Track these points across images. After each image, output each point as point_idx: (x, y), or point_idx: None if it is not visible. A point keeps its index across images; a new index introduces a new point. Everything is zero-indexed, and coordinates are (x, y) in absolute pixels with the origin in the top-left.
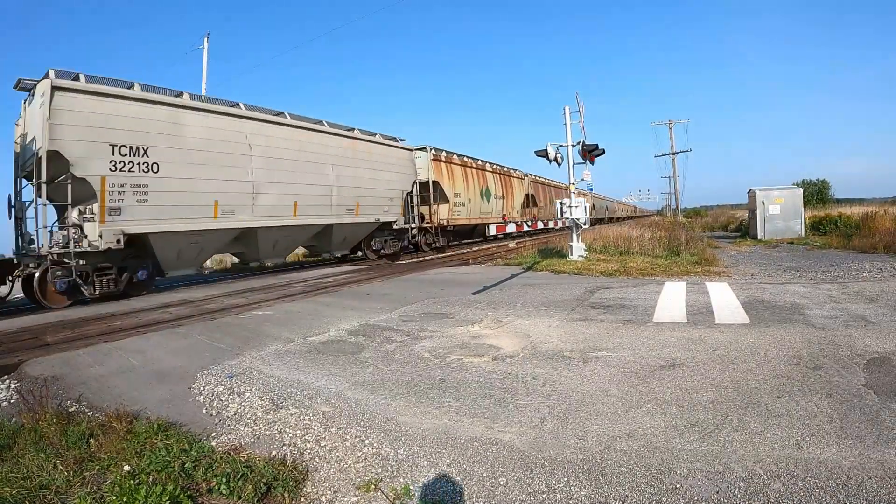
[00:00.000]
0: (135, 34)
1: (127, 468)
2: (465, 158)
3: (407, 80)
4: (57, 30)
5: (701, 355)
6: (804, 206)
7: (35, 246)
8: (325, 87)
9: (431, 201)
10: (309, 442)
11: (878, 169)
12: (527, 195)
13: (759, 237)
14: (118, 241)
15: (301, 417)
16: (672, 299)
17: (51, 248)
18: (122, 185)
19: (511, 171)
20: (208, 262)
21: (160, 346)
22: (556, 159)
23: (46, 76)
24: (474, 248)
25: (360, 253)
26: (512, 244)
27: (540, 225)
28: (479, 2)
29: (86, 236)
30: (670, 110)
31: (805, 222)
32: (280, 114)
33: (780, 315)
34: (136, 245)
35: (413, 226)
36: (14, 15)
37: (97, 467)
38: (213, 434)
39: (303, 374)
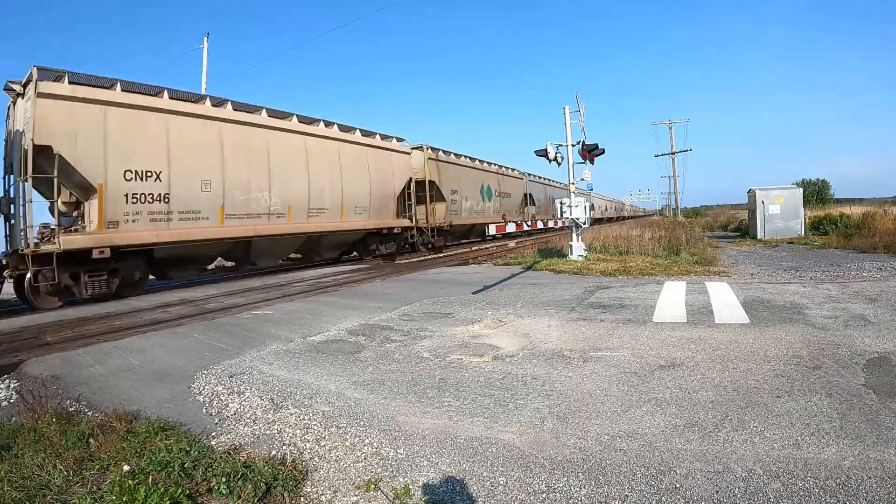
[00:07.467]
0: (133, 33)
1: (126, 468)
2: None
3: (407, 78)
4: (51, 28)
5: (701, 355)
6: (804, 206)
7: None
8: (326, 86)
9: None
10: (309, 441)
11: (878, 169)
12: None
13: (758, 237)
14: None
15: (301, 417)
16: (672, 299)
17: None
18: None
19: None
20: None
21: (160, 346)
22: (556, 159)
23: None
24: (474, 248)
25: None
26: (512, 244)
27: (540, 225)
28: (479, 2)
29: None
30: (670, 110)
31: (805, 222)
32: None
33: (779, 315)
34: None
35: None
36: (6, 10)
37: (97, 467)
38: (213, 434)
39: (302, 373)
